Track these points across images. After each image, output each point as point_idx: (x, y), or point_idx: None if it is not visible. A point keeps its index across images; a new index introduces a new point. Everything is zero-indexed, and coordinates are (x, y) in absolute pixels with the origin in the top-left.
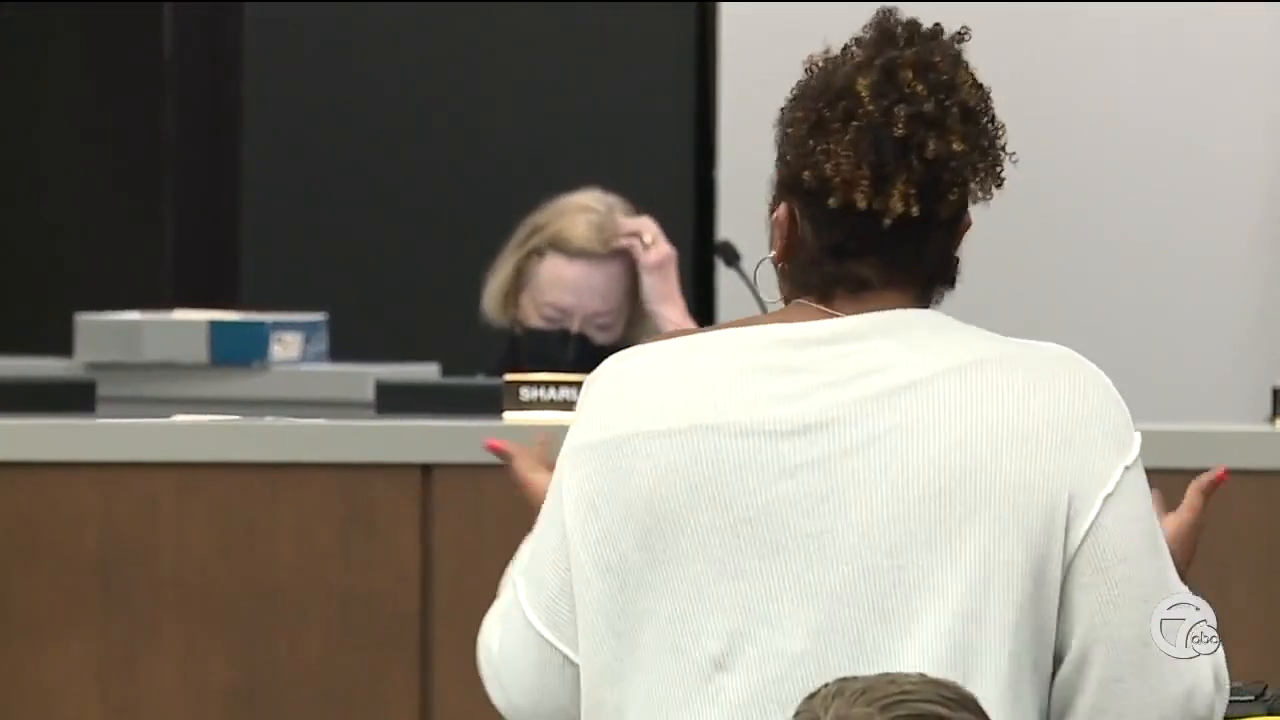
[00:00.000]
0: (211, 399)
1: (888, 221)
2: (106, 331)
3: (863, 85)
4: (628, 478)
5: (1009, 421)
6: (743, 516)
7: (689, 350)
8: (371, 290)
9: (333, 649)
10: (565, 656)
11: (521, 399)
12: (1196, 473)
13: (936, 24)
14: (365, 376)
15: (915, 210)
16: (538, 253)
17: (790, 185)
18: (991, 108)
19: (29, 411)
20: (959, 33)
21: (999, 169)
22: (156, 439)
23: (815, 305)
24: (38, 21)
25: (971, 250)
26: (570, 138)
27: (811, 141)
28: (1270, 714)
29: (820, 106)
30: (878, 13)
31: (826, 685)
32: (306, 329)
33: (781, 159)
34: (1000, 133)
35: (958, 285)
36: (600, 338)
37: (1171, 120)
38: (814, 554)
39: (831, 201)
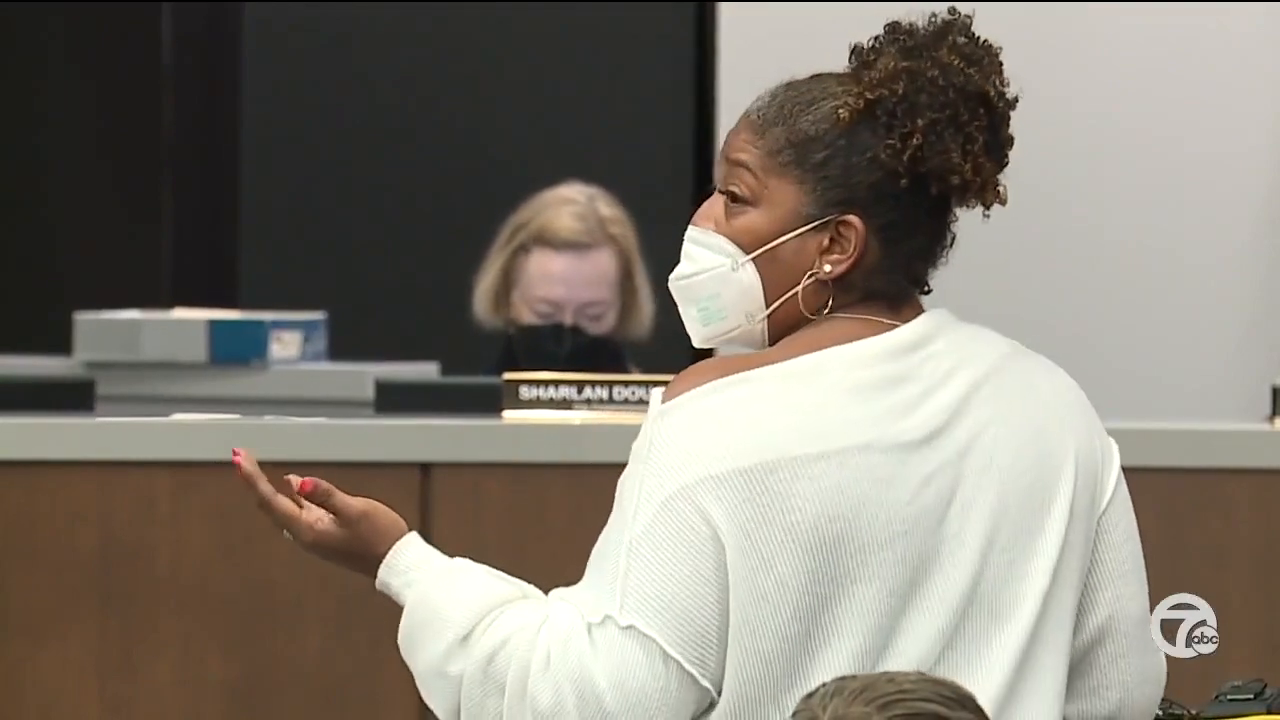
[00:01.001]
0: (210, 398)
1: (987, 215)
2: (105, 330)
3: (991, 88)
4: (786, 502)
5: (1058, 407)
6: (899, 531)
7: (796, 375)
8: (370, 289)
9: (330, 647)
10: (708, 693)
11: (521, 398)
12: (1196, 472)
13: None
14: (364, 375)
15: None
16: (524, 249)
17: (874, 192)
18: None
19: (28, 410)
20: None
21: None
22: (155, 438)
23: (861, 316)
24: (37, 22)
25: (972, 250)
26: (570, 138)
27: (940, 145)
28: (1269, 713)
29: (956, 111)
30: (948, 12)
31: (825, 684)
32: (305, 328)
33: (851, 169)
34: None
35: (960, 284)
36: (593, 329)
37: (1171, 119)
38: (947, 559)
39: (968, 203)
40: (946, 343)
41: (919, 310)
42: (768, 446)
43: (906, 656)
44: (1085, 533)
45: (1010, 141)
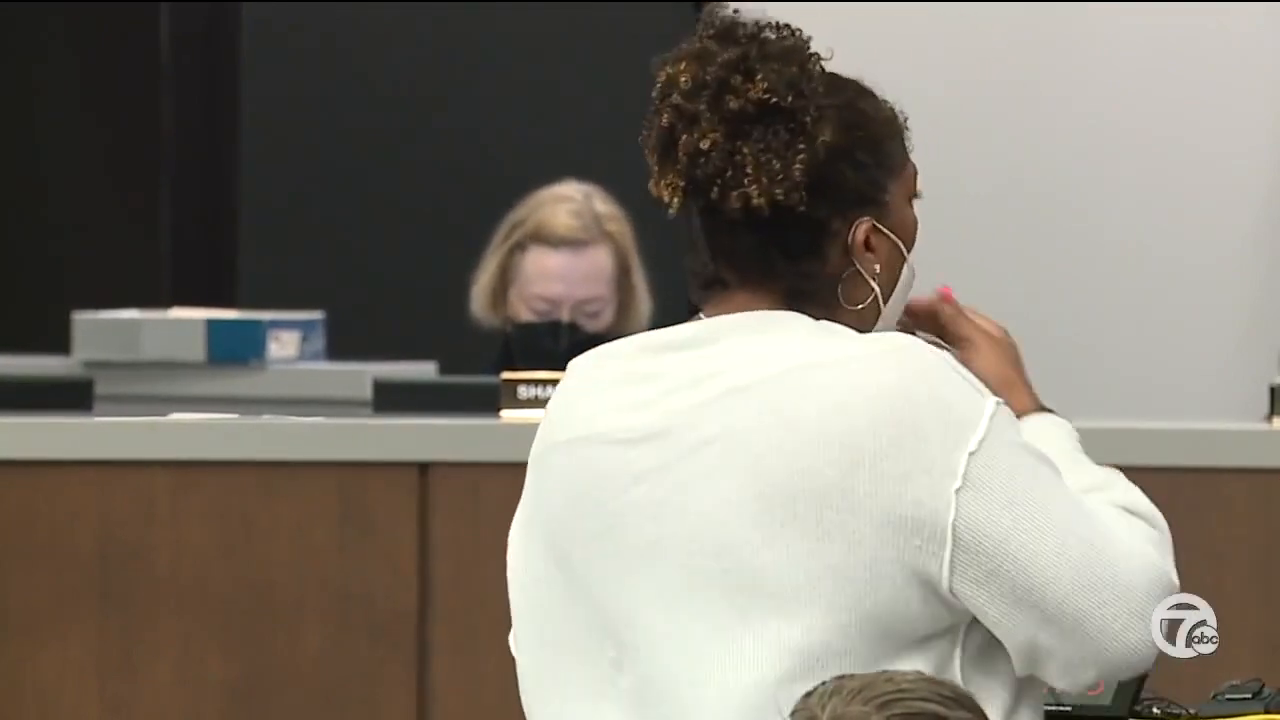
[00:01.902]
0: (209, 397)
1: (670, 212)
2: (104, 330)
3: (659, 79)
4: (539, 494)
5: (831, 426)
6: (607, 524)
7: (591, 362)
8: (369, 289)
9: (329, 647)
10: None
11: (519, 397)
12: (1194, 471)
13: (762, 24)
14: (363, 375)
15: (676, 202)
16: (520, 247)
17: None
18: (800, 115)
19: (27, 410)
20: (790, 34)
21: (783, 178)
22: (154, 437)
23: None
24: (35, 21)
25: (970, 248)
26: (569, 138)
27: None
28: (1267, 712)
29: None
30: (706, 12)
31: (824, 683)
32: (304, 327)
33: None
34: (802, 139)
35: (959, 284)
36: (590, 326)
37: (1169, 119)
38: (659, 558)
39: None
40: (736, 345)
41: (721, 309)
42: (540, 437)
43: (647, 646)
44: (877, 559)
45: (677, 143)
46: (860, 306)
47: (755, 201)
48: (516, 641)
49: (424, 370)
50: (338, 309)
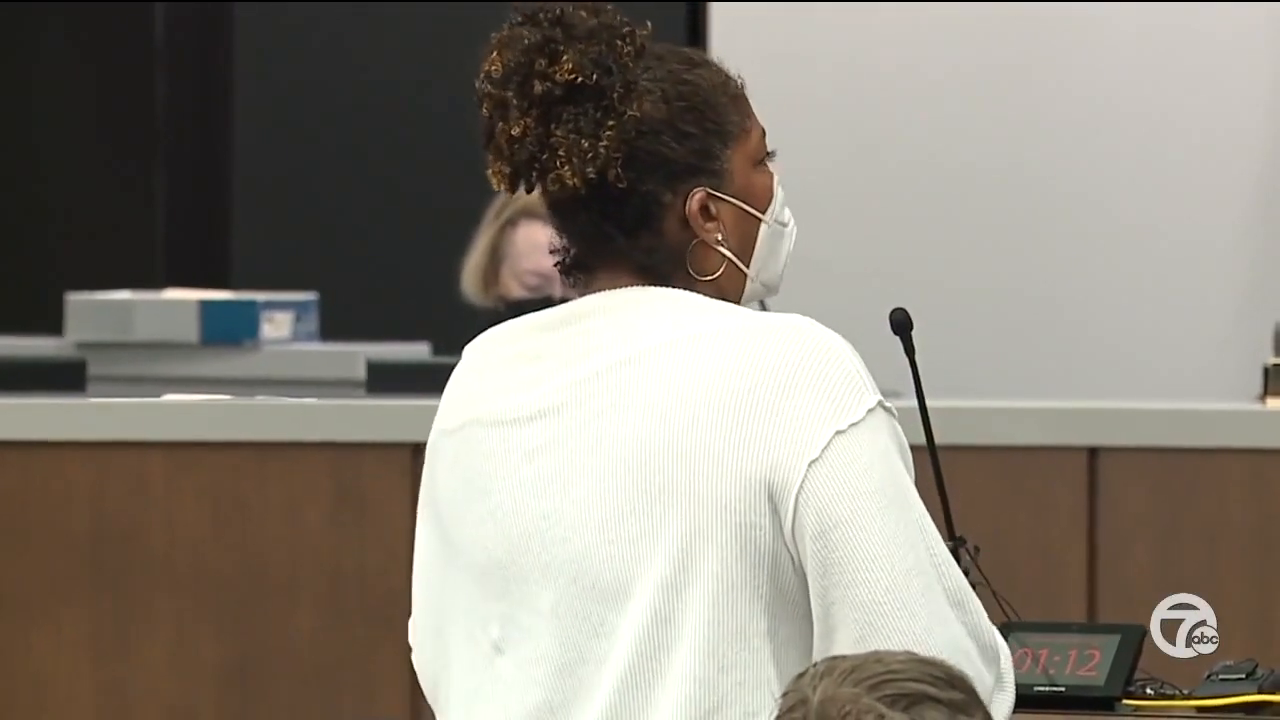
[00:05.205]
0: (202, 378)
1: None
2: (98, 311)
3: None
4: (432, 480)
5: (708, 394)
6: (497, 503)
7: (482, 345)
8: (362, 270)
9: (323, 627)
10: None
11: None
12: (1189, 451)
13: (569, 7)
14: (356, 356)
15: (504, 188)
16: (511, 223)
17: None
18: (609, 92)
19: (20, 390)
20: (598, 13)
21: (592, 156)
22: (147, 418)
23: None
24: (32, 5)
25: (969, 230)
26: None
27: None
28: (1260, 692)
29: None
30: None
31: (815, 664)
32: (297, 308)
33: None
34: (612, 119)
35: (959, 269)
36: None
37: (1163, 105)
38: (547, 534)
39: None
40: (613, 320)
41: (591, 290)
42: (435, 422)
43: (527, 626)
44: (740, 525)
45: (496, 131)
46: (714, 276)
47: (570, 182)
48: (415, 629)
49: (417, 351)
50: (331, 290)
